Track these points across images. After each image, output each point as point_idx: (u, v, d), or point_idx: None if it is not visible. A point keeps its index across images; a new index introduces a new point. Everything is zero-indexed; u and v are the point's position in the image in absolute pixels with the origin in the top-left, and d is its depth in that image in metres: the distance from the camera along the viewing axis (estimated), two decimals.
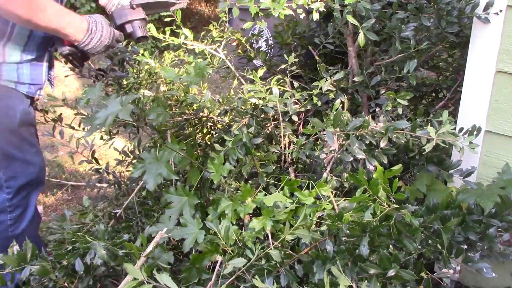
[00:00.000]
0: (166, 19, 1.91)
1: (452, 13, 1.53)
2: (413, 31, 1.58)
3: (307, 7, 1.63)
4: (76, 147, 1.93)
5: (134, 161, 1.87)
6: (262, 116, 1.67)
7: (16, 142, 1.66)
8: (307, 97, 1.72)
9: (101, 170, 1.94)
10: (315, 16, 1.60)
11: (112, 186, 1.95)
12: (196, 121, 1.79)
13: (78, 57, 1.61)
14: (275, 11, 1.54)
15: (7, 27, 1.51)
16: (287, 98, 1.63)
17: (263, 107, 1.59)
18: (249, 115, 1.59)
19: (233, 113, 1.67)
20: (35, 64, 1.64)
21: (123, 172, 2.03)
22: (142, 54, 2.04)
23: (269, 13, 1.63)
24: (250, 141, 1.53)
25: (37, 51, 1.63)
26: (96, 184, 2.02)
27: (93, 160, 1.91)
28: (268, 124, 1.70)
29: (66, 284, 1.38)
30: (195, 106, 1.79)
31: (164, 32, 1.97)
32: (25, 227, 1.77)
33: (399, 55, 1.66)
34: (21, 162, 1.69)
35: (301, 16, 1.66)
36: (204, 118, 1.79)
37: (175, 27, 1.95)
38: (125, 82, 2.00)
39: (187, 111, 1.74)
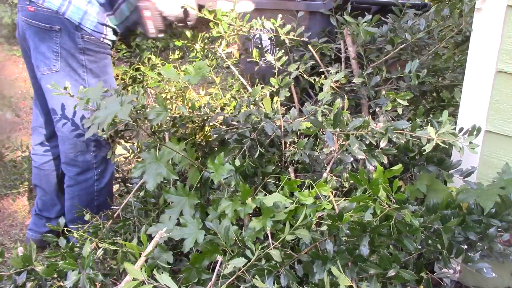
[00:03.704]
0: None
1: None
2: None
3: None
4: None
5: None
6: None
7: None
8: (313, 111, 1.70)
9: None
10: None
11: (118, 183, 1.97)
12: (196, 121, 1.78)
13: (157, 16, 1.80)
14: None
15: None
16: (294, 118, 1.61)
17: (264, 126, 1.54)
18: (250, 139, 1.57)
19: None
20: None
21: (129, 171, 2.05)
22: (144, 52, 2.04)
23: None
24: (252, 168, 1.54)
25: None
26: None
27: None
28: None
29: (61, 283, 1.38)
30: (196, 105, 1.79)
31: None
32: (107, 181, 1.99)
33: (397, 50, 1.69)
34: None
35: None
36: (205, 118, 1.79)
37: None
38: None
39: (187, 111, 1.74)
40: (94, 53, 1.82)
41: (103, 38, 1.83)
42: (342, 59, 1.92)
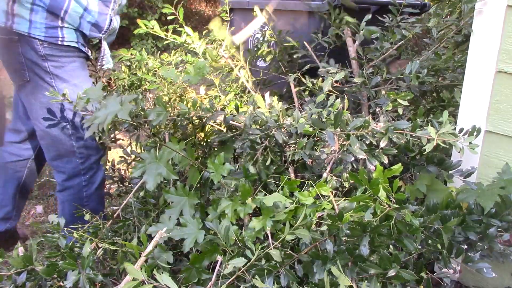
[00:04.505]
0: (168, 17, 1.91)
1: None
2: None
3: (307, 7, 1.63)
4: None
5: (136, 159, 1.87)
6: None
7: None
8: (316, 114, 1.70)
9: (107, 167, 1.96)
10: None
11: (116, 183, 1.96)
12: (197, 121, 1.78)
13: None
14: None
15: None
16: (300, 119, 1.60)
17: (275, 134, 1.53)
18: (264, 146, 1.55)
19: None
20: None
21: (127, 170, 2.05)
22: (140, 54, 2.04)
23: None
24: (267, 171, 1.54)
25: None
26: None
27: None
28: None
29: (61, 283, 1.38)
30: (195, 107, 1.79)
31: (166, 30, 1.98)
32: (96, 187, 1.97)
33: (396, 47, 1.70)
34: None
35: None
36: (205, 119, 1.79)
37: (177, 26, 1.95)
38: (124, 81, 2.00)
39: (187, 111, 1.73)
40: (57, 58, 1.77)
41: (61, 41, 1.76)
42: None
